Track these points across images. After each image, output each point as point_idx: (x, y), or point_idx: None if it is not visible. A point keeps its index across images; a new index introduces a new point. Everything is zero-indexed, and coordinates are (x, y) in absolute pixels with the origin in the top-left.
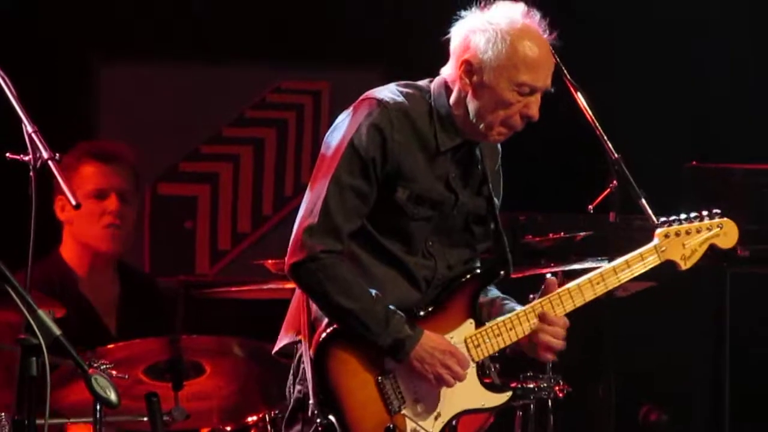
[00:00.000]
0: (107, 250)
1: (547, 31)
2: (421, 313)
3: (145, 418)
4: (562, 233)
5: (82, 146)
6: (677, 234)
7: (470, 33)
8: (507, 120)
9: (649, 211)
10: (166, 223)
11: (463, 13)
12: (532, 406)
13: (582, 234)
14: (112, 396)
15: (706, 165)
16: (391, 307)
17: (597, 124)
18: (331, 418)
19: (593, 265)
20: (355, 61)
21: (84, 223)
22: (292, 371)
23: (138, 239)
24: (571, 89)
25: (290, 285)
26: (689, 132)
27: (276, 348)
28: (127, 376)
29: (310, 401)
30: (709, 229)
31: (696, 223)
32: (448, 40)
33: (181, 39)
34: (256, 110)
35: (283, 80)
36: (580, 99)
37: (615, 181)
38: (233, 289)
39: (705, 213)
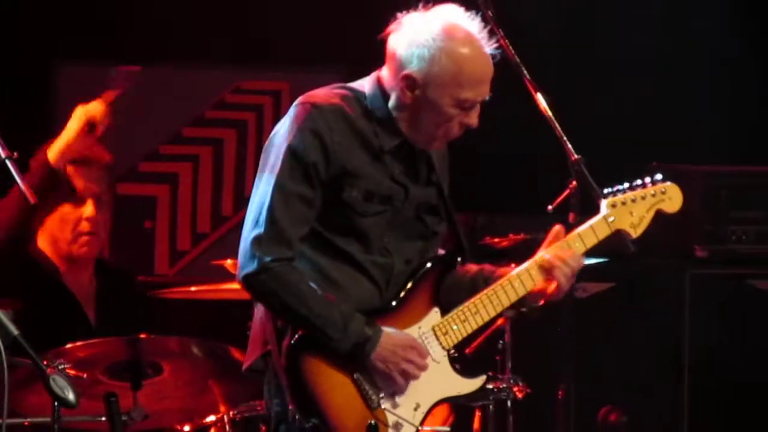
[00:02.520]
0: (80, 255)
1: (489, 39)
2: (392, 304)
3: (104, 418)
4: (523, 234)
5: None
6: (623, 203)
7: (412, 47)
8: (447, 132)
9: None
10: (126, 224)
11: (401, 15)
12: (491, 407)
13: (542, 235)
14: (70, 396)
15: (667, 166)
16: (348, 309)
17: (557, 125)
18: (314, 420)
19: None
20: (315, 61)
21: (57, 227)
22: (266, 386)
23: None
24: (531, 90)
25: None
26: (650, 133)
27: (246, 364)
28: (85, 376)
29: (290, 407)
30: (653, 195)
31: (640, 191)
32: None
33: (140, 39)
34: (216, 111)
35: (242, 81)
36: (540, 100)
37: (575, 182)
38: (192, 289)
39: (648, 179)
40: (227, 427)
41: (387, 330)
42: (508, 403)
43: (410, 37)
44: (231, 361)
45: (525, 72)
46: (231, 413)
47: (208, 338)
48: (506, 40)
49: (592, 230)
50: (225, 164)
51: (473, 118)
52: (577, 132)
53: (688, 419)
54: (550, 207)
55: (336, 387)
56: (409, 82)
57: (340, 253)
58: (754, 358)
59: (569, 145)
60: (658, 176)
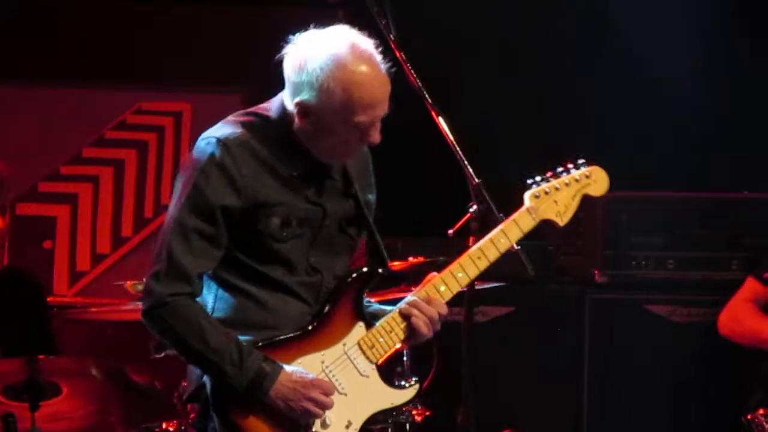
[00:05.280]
0: None
1: (384, 57)
2: (309, 328)
3: None
4: (422, 257)
5: None
6: (547, 192)
7: (302, 74)
8: (348, 150)
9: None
10: (25, 243)
11: (293, 37)
12: (390, 429)
13: (442, 258)
14: None
15: None
16: (247, 346)
17: (458, 149)
18: None
19: None
20: (216, 83)
21: None
22: (200, 413)
23: None
24: (433, 114)
25: None
26: (551, 158)
27: (186, 396)
28: None
29: None
30: (577, 180)
31: (564, 177)
32: None
33: (42, 59)
34: (117, 131)
35: (144, 101)
36: (442, 124)
37: (476, 206)
38: (92, 310)
39: (570, 165)
40: None
41: (287, 368)
42: (407, 426)
43: (300, 63)
44: (129, 381)
45: (427, 95)
46: None
47: (107, 359)
48: (408, 64)
49: (515, 223)
50: (125, 185)
51: (374, 136)
52: (478, 154)
53: None
54: (450, 231)
55: (265, 416)
56: (301, 110)
57: (265, 278)
58: (650, 381)
59: (470, 169)
60: (581, 161)
